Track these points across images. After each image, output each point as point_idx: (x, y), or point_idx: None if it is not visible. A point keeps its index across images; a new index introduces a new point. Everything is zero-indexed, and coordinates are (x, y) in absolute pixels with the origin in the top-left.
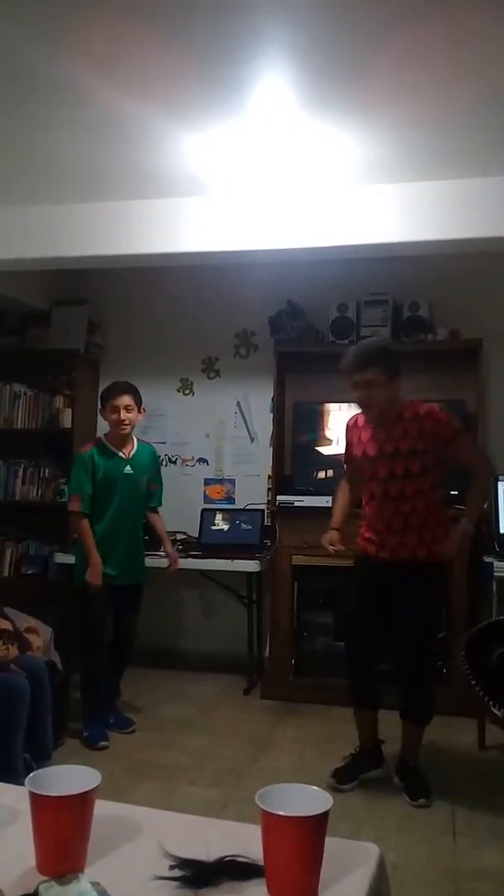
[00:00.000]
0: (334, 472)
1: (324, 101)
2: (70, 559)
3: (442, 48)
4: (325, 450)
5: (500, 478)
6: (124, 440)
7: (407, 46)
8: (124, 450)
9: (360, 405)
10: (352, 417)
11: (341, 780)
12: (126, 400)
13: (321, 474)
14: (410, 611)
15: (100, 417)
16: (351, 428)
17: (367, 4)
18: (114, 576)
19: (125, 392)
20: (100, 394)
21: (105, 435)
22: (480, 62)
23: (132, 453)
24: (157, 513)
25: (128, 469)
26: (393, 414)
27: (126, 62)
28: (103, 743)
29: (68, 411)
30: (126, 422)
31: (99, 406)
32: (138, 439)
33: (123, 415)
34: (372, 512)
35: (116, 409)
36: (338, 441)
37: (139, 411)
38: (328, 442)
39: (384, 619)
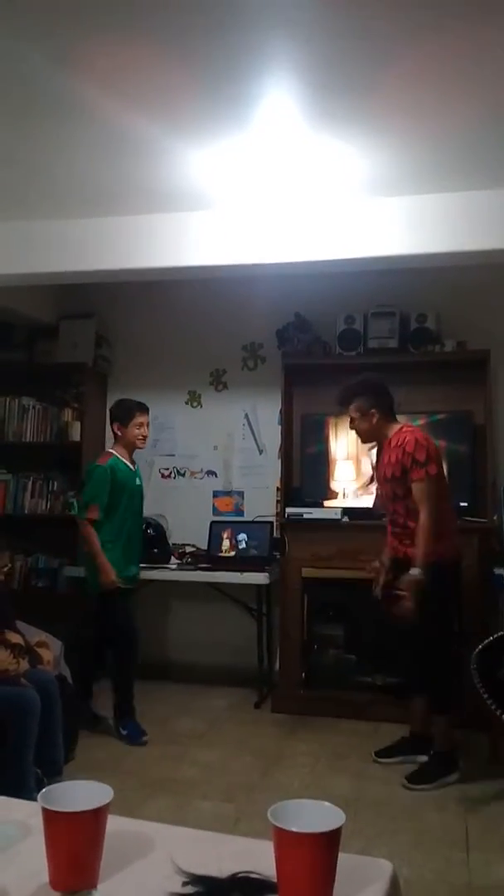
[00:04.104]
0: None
1: (329, 116)
2: (79, 572)
3: (446, 63)
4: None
5: None
6: (132, 454)
7: (412, 61)
8: (132, 463)
9: (357, 435)
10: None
11: (381, 754)
12: (148, 418)
13: (331, 486)
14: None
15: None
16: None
17: (371, 20)
18: (131, 575)
19: (146, 411)
20: (120, 408)
21: (116, 448)
22: (485, 76)
23: (136, 465)
24: None
25: (137, 480)
26: (384, 441)
27: (131, 78)
28: (144, 738)
29: (77, 424)
30: (146, 438)
31: (118, 421)
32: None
33: (146, 430)
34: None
35: (142, 426)
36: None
37: None
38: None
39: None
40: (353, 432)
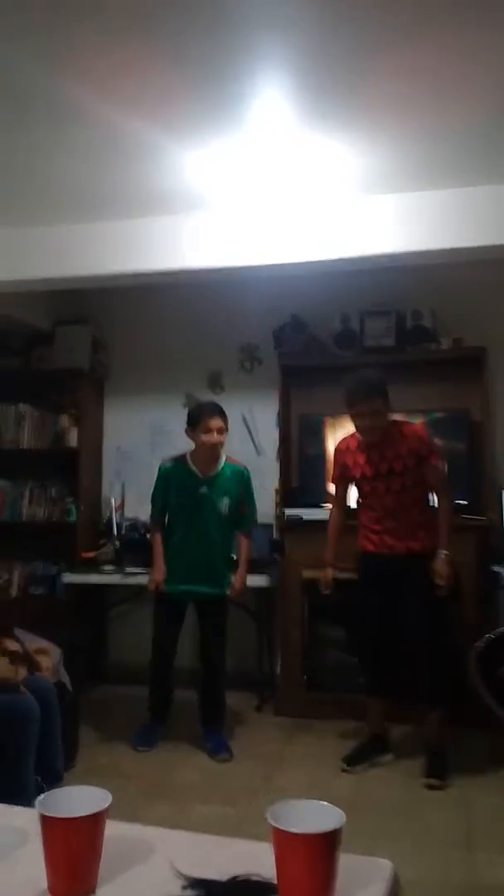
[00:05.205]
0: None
1: (322, 115)
2: (78, 578)
3: (440, 60)
4: None
5: None
6: (208, 460)
7: (405, 59)
8: (204, 469)
9: (365, 432)
10: (342, 441)
11: (351, 762)
12: (219, 422)
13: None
14: (414, 596)
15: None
16: (343, 452)
17: (363, 19)
18: (178, 591)
19: (218, 414)
20: (189, 413)
21: (191, 453)
22: (478, 74)
23: (212, 473)
24: (247, 536)
25: (203, 489)
26: (384, 435)
27: (124, 80)
28: (141, 747)
29: (74, 430)
30: (216, 444)
31: (186, 425)
32: (230, 460)
33: (215, 437)
34: (370, 520)
35: (209, 430)
36: None
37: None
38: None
39: (390, 610)
40: (358, 427)
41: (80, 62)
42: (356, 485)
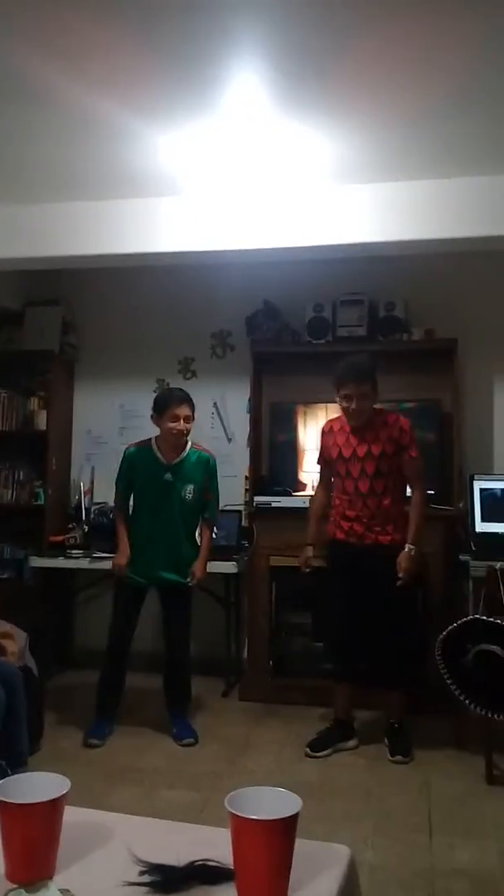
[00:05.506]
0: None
1: (297, 101)
2: (45, 562)
3: (413, 48)
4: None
5: (476, 477)
6: (174, 447)
7: (378, 46)
8: (169, 455)
9: (350, 414)
10: (327, 423)
11: (315, 748)
12: (186, 410)
13: (299, 475)
14: (379, 590)
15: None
16: (326, 433)
17: (337, 3)
18: (142, 578)
19: (186, 402)
20: (155, 399)
21: (156, 438)
22: (451, 63)
23: (177, 460)
24: (210, 524)
25: (168, 476)
26: (368, 421)
27: (97, 61)
28: (92, 741)
29: (43, 413)
30: (182, 432)
31: (152, 411)
32: (196, 447)
33: (182, 424)
34: (342, 504)
35: (176, 418)
36: (316, 447)
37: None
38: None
39: (357, 598)
40: (345, 409)
41: (51, 42)
42: (333, 465)
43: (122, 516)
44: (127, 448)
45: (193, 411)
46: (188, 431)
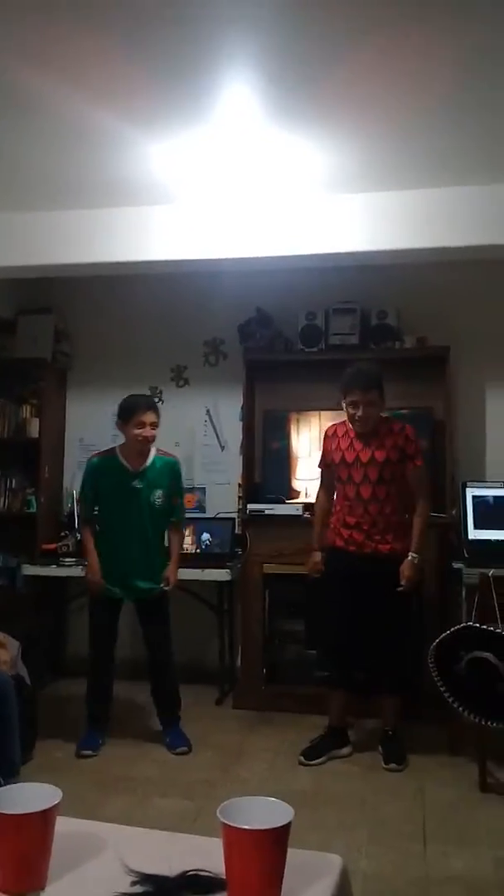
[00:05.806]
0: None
1: (289, 111)
2: (38, 571)
3: (405, 60)
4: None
5: (469, 484)
6: (139, 454)
7: (370, 57)
8: (135, 463)
9: (356, 421)
10: (330, 427)
11: (309, 756)
12: (152, 416)
13: (293, 483)
14: (379, 598)
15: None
16: (330, 437)
17: (330, 15)
18: (117, 592)
19: (152, 409)
20: (120, 405)
21: (121, 446)
22: (442, 74)
23: (143, 466)
24: (178, 528)
25: (136, 483)
26: (373, 428)
27: (90, 71)
28: (85, 752)
29: (35, 421)
30: (148, 439)
31: (117, 418)
32: (160, 452)
33: (148, 431)
34: (342, 510)
35: (142, 425)
36: (309, 454)
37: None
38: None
39: (355, 605)
40: (351, 416)
41: (45, 52)
42: (335, 470)
43: (90, 529)
44: (90, 459)
45: (159, 417)
46: (154, 438)
